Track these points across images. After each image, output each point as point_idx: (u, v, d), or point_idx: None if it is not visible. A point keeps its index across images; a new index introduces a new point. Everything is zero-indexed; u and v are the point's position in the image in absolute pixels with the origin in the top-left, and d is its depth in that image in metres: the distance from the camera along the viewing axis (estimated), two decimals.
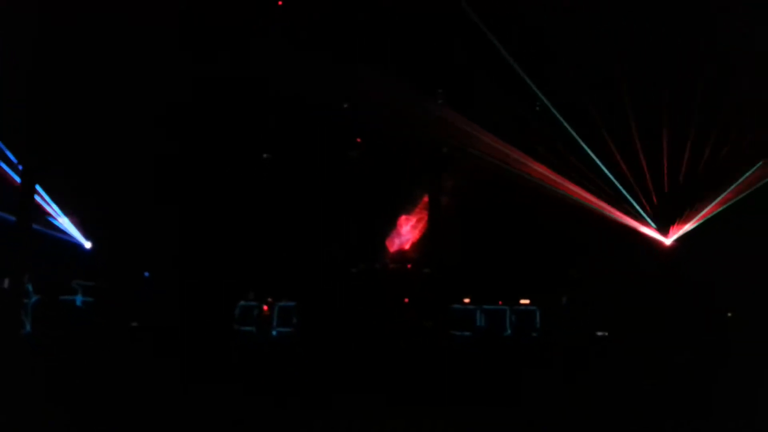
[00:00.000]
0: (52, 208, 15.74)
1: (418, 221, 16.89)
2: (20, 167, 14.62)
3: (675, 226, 15.24)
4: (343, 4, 15.07)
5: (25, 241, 14.41)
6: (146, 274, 15.53)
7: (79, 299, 14.84)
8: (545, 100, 15.02)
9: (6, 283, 14.16)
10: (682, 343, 12.79)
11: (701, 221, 15.02)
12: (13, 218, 14.27)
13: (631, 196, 15.29)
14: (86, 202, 15.57)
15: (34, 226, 14.61)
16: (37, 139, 14.31)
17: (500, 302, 14.90)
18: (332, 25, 15.16)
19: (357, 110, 15.94)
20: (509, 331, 14.65)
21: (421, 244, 16.68)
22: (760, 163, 14.61)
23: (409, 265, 16.35)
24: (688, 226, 15.15)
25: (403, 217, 16.94)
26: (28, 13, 13.74)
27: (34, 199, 14.77)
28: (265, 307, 14.70)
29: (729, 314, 14.02)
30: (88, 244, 16.20)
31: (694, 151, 14.90)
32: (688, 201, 15.15)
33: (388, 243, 16.88)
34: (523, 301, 14.92)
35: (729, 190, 14.78)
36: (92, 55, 14.47)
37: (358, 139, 16.47)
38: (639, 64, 14.50)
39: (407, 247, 16.87)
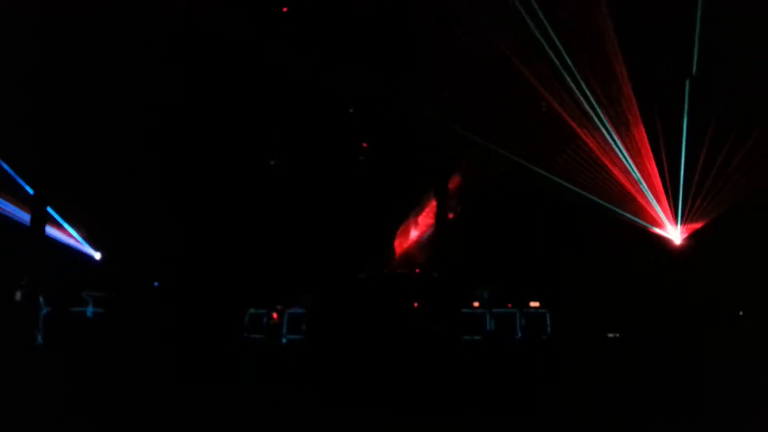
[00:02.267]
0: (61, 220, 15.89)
1: (426, 226, 16.85)
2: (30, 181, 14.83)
3: (686, 225, 15.10)
4: (351, 8, 15.09)
5: (37, 254, 14.55)
6: (156, 283, 15.62)
7: (89, 310, 14.94)
8: (554, 99, 14.93)
9: (18, 296, 14.32)
10: (688, 342, 12.68)
11: (713, 219, 14.87)
12: (23, 228, 14.44)
13: (642, 195, 15.16)
14: (95, 212, 15.70)
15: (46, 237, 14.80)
16: (44, 150, 14.49)
17: (509, 305, 14.83)
18: (339, 29, 15.21)
19: (363, 114, 15.99)
20: (520, 335, 14.57)
21: (429, 248, 16.64)
22: None
23: (417, 270, 16.31)
24: (700, 225, 15.00)
25: (411, 222, 16.91)
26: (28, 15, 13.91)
27: (45, 212, 14.91)
28: (275, 315, 14.72)
29: (741, 312, 13.87)
30: (97, 255, 16.33)
31: (708, 150, 14.75)
32: (699, 199, 15.00)
33: (396, 248, 16.86)
34: (533, 304, 14.83)
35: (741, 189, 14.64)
36: (96, 62, 14.61)
37: (365, 144, 16.50)
38: (651, 58, 14.39)
39: (415, 251, 16.83)
